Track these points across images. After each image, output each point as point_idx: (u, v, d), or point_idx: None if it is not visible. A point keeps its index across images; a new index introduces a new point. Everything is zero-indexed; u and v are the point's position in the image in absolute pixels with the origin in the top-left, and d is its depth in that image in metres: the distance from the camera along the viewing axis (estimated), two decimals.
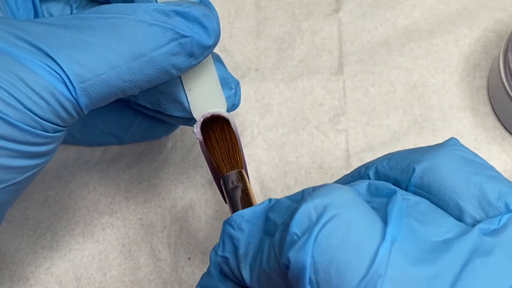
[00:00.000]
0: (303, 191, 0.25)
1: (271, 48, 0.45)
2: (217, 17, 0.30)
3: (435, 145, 0.27)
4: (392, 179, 0.26)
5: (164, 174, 0.42)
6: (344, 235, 0.21)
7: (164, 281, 0.39)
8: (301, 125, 0.42)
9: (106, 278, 0.39)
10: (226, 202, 0.32)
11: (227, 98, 0.33)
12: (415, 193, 0.25)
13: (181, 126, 0.42)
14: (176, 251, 0.39)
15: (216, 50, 0.40)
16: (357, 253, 0.21)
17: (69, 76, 0.26)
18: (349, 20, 0.45)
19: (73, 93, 0.26)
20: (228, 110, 0.33)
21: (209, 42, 0.29)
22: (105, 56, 0.27)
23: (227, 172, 0.32)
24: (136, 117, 0.38)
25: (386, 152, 0.41)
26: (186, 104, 0.33)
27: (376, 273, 0.20)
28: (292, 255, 0.22)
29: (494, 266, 0.21)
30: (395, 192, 0.24)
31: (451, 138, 0.27)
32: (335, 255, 0.21)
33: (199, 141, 0.33)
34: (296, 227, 0.22)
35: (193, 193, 0.41)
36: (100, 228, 0.40)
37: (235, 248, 0.26)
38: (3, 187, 0.27)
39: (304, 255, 0.21)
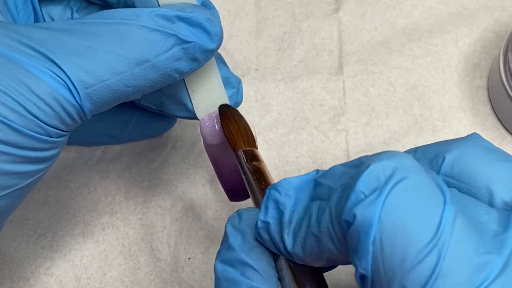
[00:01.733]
0: (359, 158, 0.25)
1: (271, 48, 0.45)
2: (219, 21, 0.30)
3: (459, 138, 0.27)
4: None
5: (164, 174, 0.42)
6: (412, 198, 0.21)
7: (164, 281, 0.39)
8: (301, 125, 0.42)
9: (106, 278, 0.39)
10: (223, 187, 0.32)
11: (230, 97, 0.33)
12: (444, 181, 0.26)
13: (181, 127, 0.42)
14: (176, 251, 0.39)
15: None
16: (425, 216, 0.21)
17: (74, 82, 0.26)
18: (349, 20, 0.45)
19: (78, 99, 0.27)
20: None
21: (212, 46, 0.29)
22: (109, 62, 0.27)
23: (245, 148, 0.32)
24: (132, 115, 0.38)
25: None
26: (190, 105, 0.33)
27: (443, 237, 0.21)
28: (359, 211, 0.22)
29: None
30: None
31: (474, 133, 0.27)
32: (403, 216, 0.21)
33: (203, 138, 0.33)
34: (363, 185, 0.22)
35: (193, 193, 0.41)
36: (100, 228, 0.40)
37: (280, 214, 0.26)
38: (7, 193, 0.27)
39: (373, 213, 0.21)
